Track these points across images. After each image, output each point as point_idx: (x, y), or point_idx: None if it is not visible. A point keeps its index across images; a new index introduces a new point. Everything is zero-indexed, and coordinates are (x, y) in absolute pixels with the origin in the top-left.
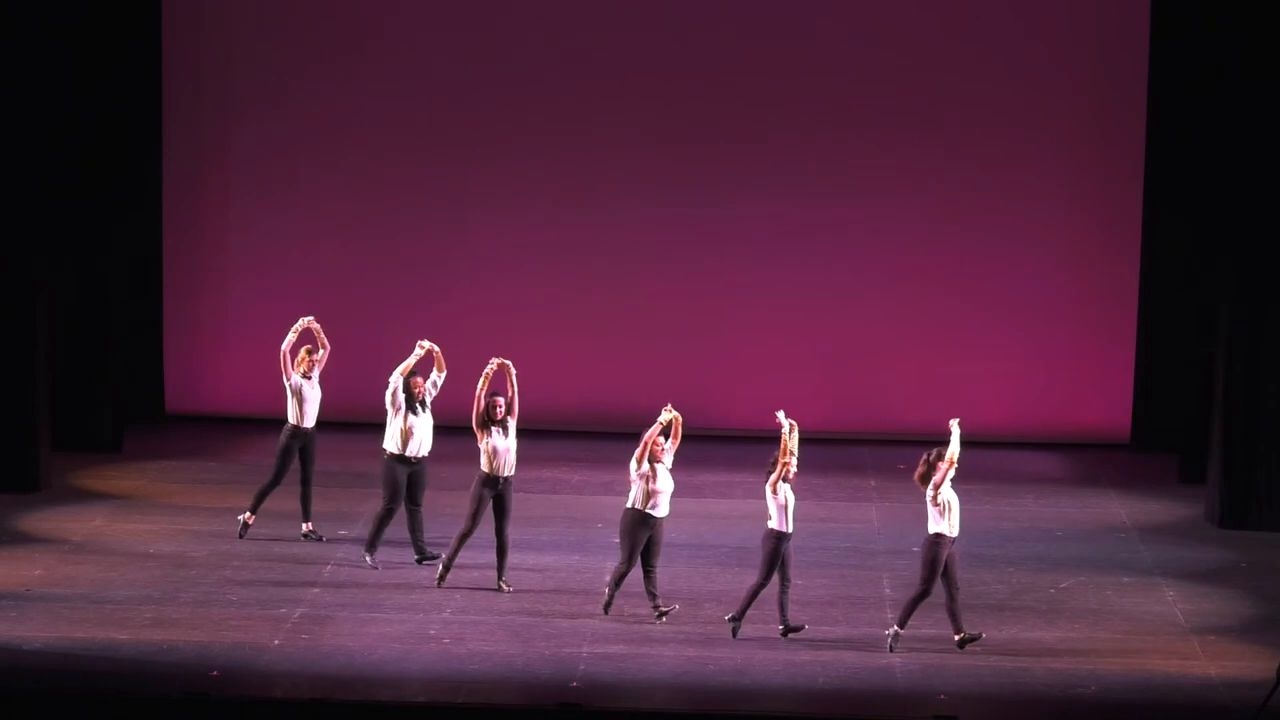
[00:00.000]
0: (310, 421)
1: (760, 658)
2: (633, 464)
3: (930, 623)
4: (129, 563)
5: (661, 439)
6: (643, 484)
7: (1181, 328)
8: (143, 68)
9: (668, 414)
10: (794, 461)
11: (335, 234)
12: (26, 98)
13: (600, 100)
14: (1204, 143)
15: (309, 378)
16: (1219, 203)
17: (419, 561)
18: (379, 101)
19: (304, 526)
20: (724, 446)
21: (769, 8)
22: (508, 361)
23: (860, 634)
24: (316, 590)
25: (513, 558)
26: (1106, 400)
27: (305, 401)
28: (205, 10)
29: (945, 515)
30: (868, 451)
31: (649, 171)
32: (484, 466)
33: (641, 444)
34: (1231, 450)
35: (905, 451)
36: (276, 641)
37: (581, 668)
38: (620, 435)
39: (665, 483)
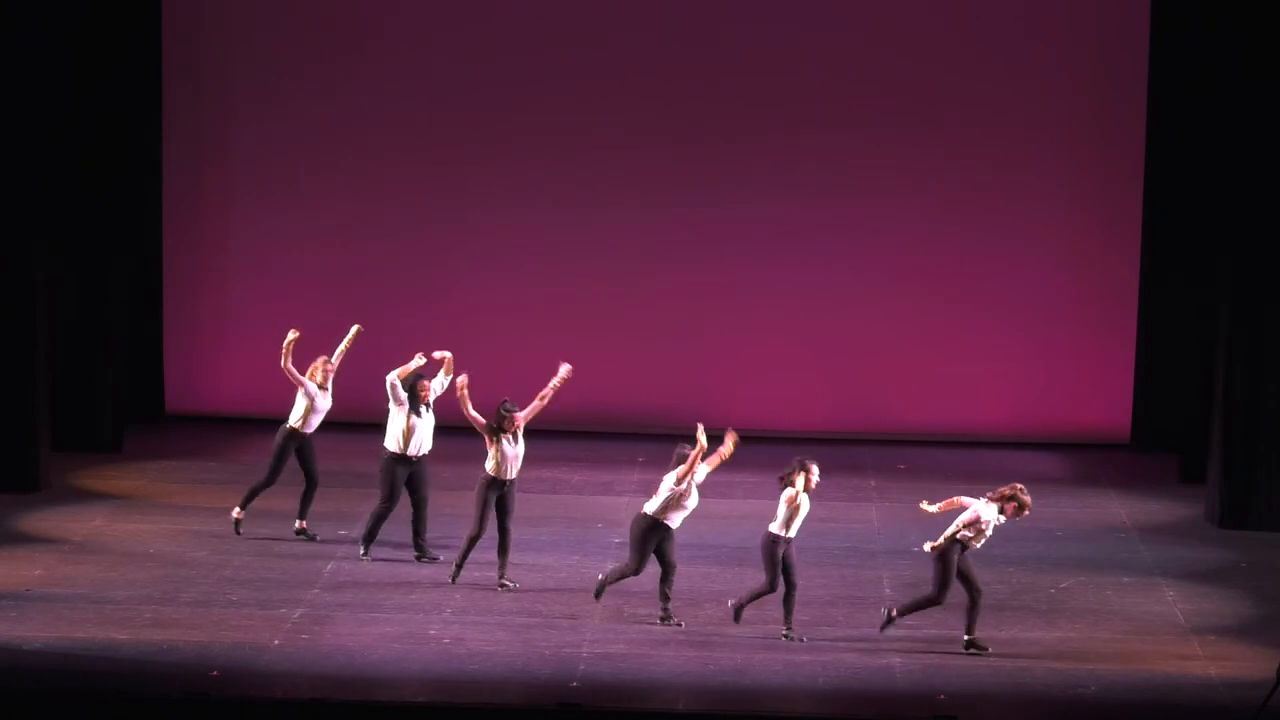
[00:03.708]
0: (313, 428)
1: (760, 658)
2: (671, 478)
3: (931, 623)
4: (129, 563)
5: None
6: (674, 498)
7: (1181, 328)
8: (143, 68)
9: (703, 436)
10: (816, 473)
11: (335, 234)
12: (26, 97)
13: (600, 100)
14: (1204, 143)
15: (325, 388)
16: (1219, 203)
17: (418, 559)
18: (379, 101)
19: (297, 523)
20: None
21: (768, 8)
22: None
23: (860, 634)
24: (316, 590)
25: (512, 557)
26: (1106, 400)
27: (315, 411)
28: (205, 10)
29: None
30: (868, 451)
31: (649, 172)
32: (490, 470)
33: (688, 464)
34: (1231, 450)
35: (905, 451)
36: (276, 641)
37: (581, 668)
38: (620, 435)
39: (694, 501)
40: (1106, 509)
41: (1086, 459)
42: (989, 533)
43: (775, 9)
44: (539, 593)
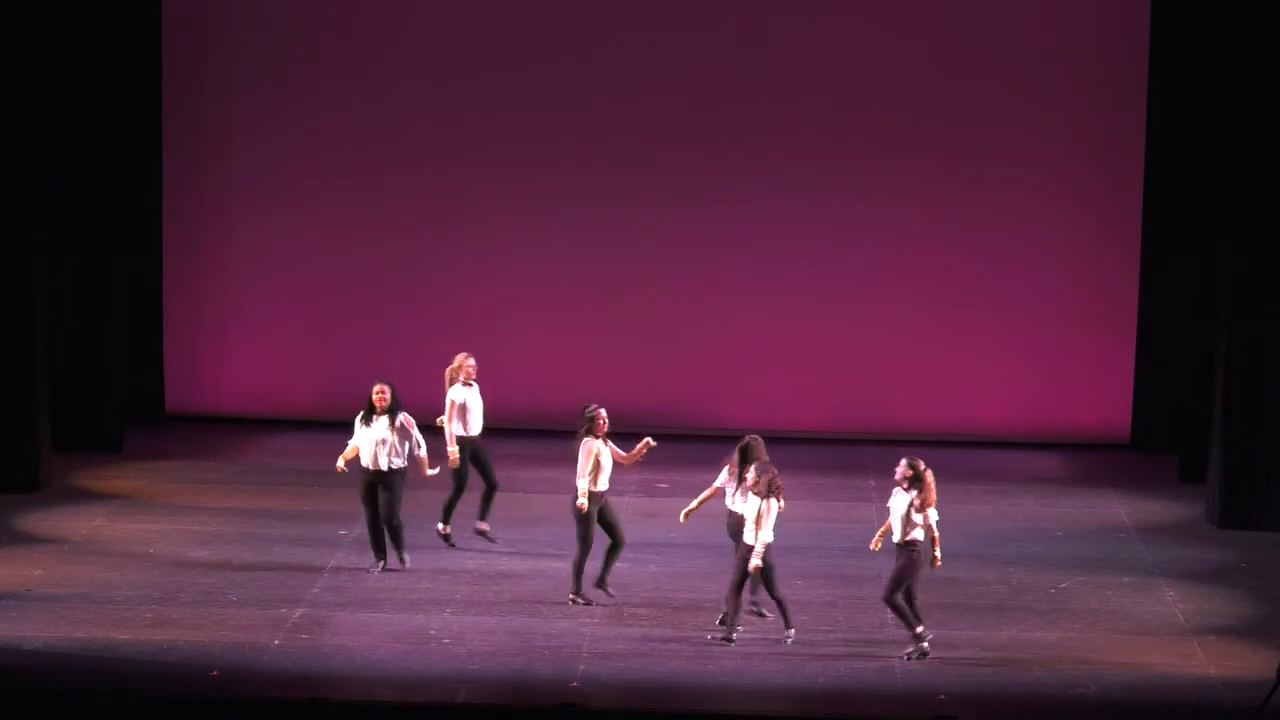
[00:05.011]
0: (474, 430)
1: (760, 658)
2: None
3: (930, 623)
4: (129, 563)
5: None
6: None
7: (1181, 328)
8: (143, 68)
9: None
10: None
11: (336, 234)
12: (27, 98)
13: (600, 102)
14: (1204, 143)
15: (470, 384)
16: (1219, 203)
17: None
18: (380, 101)
19: (477, 524)
20: (724, 446)
21: (770, 10)
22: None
23: (860, 634)
24: (316, 590)
25: (511, 558)
26: (1106, 400)
27: (469, 411)
28: (205, 11)
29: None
30: (868, 451)
31: (649, 173)
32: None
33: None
34: (1231, 450)
35: (905, 451)
36: (276, 641)
37: (581, 668)
38: (620, 435)
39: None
40: (1106, 509)
41: (1086, 459)
42: (905, 522)
43: (776, 11)
44: (539, 593)
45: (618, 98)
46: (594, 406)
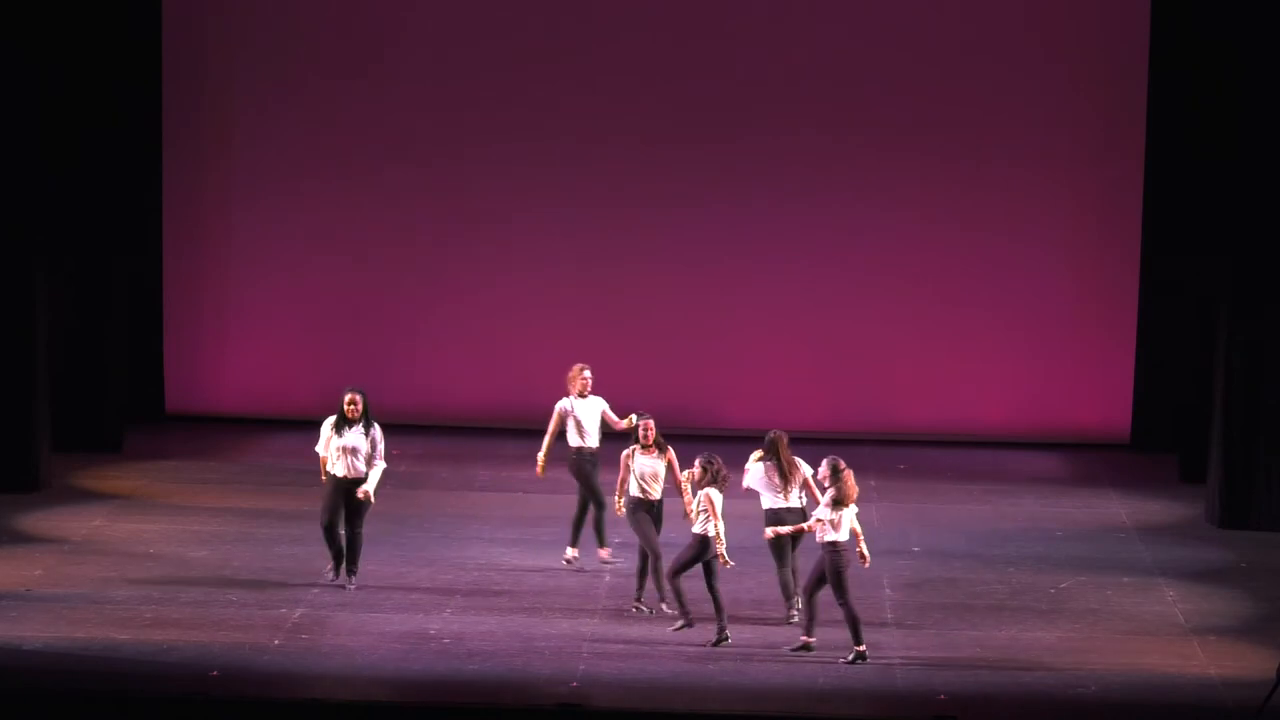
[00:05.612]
0: (592, 441)
1: (760, 658)
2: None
3: (931, 622)
4: (129, 563)
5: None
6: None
7: (1181, 328)
8: (143, 68)
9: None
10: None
11: (336, 234)
12: (27, 98)
13: (600, 102)
14: (1204, 143)
15: (585, 396)
16: (1219, 203)
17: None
18: (381, 102)
19: (601, 553)
20: (724, 446)
21: (770, 10)
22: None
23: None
24: (316, 590)
25: (512, 558)
26: (1106, 400)
27: (582, 423)
28: (205, 11)
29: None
30: (868, 451)
31: (649, 173)
32: (635, 491)
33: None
34: (1231, 450)
35: (905, 451)
36: (276, 641)
37: (581, 668)
38: (621, 435)
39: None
40: (1106, 509)
41: (1086, 459)
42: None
43: (777, 12)
44: (539, 593)
45: (618, 98)
46: (638, 416)
